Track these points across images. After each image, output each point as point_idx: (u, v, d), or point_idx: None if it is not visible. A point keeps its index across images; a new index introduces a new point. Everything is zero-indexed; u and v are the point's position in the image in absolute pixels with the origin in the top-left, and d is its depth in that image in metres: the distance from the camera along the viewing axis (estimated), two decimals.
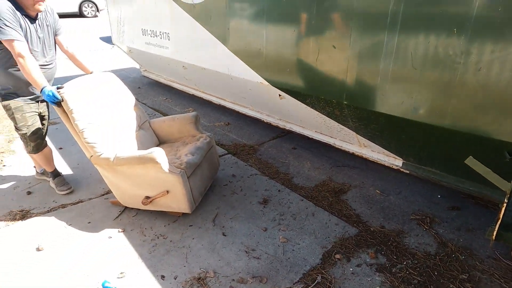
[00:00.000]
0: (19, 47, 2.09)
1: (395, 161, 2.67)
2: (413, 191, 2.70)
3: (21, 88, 2.36)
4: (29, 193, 2.71)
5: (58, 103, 2.19)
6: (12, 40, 2.07)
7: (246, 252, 2.11)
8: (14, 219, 2.40)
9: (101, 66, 6.87)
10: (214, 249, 2.14)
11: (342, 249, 2.13)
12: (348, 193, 2.69)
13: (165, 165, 2.18)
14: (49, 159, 2.68)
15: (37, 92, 2.37)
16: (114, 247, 2.15)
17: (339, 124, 2.72)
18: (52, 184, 2.75)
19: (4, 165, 3.11)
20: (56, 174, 2.73)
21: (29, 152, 2.58)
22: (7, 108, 2.37)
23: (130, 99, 2.74)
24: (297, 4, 2.50)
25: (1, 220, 2.38)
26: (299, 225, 2.34)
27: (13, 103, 2.35)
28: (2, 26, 2.04)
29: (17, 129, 2.45)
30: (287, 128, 3.42)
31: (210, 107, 4.51)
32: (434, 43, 1.87)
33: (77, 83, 2.34)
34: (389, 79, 2.12)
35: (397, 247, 2.15)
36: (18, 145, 3.50)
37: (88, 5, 14.75)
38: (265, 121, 3.65)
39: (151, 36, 4.33)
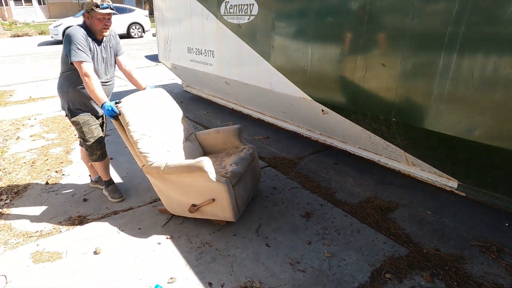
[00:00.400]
0: (86, 67, 2.35)
1: (449, 182, 2.56)
2: (472, 216, 2.54)
3: (86, 104, 2.61)
4: (85, 200, 2.91)
5: (116, 116, 2.39)
6: (81, 62, 2.34)
7: (291, 264, 2.12)
8: (73, 224, 2.58)
9: (147, 82, 7.29)
10: (259, 259, 2.16)
11: (393, 268, 2.07)
12: (395, 212, 2.61)
13: (212, 174, 2.26)
14: (107, 168, 2.89)
15: (98, 108, 2.61)
16: (163, 252, 2.25)
17: (386, 141, 2.68)
18: (105, 192, 2.93)
19: (63, 174, 3.37)
20: (110, 182, 2.92)
21: (94, 161, 2.80)
22: (75, 123, 2.62)
23: (178, 112, 2.90)
24: (345, 23, 2.55)
25: (62, 225, 2.58)
26: (344, 240, 2.31)
27: (81, 118, 2.61)
28: (75, 50, 2.32)
29: (85, 140, 2.68)
30: (327, 143, 3.41)
31: (249, 121, 4.62)
32: (498, 63, 1.83)
33: (133, 98, 2.53)
34: (445, 98, 2.07)
35: (458, 273, 2.03)
36: (75, 156, 3.78)
37: (135, 26, 15.83)
38: (305, 135, 3.68)
39: (196, 54, 4.56)
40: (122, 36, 15.61)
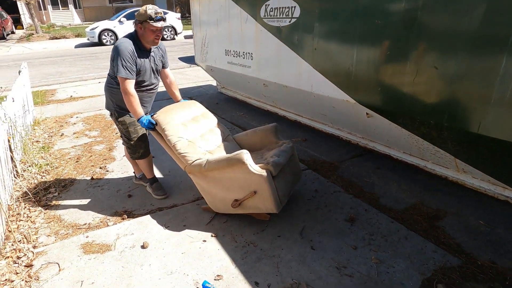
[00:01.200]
0: (127, 85, 2.46)
1: (504, 192, 2.43)
2: None
3: None
4: (129, 196, 3.00)
5: (153, 128, 2.51)
6: (125, 79, 2.45)
7: (337, 268, 2.08)
8: (120, 218, 2.66)
9: (181, 83, 7.46)
10: (304, 262, 2.14)
11: (445, 279, 1.98)
12: (444, 220, 2.51)
13: (252, 165, 2.28)
14: (151, 166, 2.98)
15: (145, 109, 2.70)
16: (209, 249, 2.28)
17: (435, 146, 2.60)
18: (149, 189, 3.01)
19: (107, 170, 3.49)
20: (154, 180, 3.00)
21: (137, 159, 2.89)
22: (122, 123, 2.72)
23: (213, 119, 2.97)
24: (395, 24, 2.50)
25: (109, 219, 2.67)
26: (392, 247, 2.25)
27: (127, 118, 2.72)
28: (121, 66, 2.42)
29: (129, 140, 2.78)
30: (368, 147, 3.35)
31: (285, 123, 4.60)
32: None
33: (167, 109, 2.64)
34: (506, 102, 1.98)
35: None
36: (118, 153, 3.91)
37: (168, 29, 16.26)
38: (345, 138, 3.62)
39: (234, 56, 4.62)
40: None
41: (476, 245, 2.25)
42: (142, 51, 2.55)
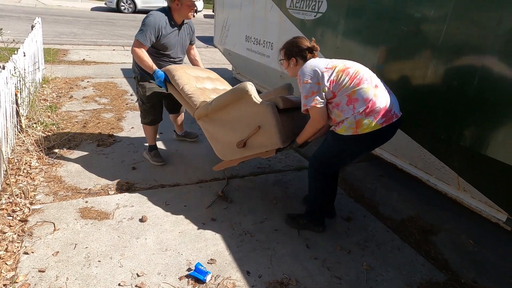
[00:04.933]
0: (138, 46, 2.64)
1: (498, 214, 2.46)
2: None
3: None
4: (133, 168, 3.02)
5: (168, 80, 2.65)
6: (139, 43, 2.63)
7: (329, 269, 2.12)
8: (121, 189, 2.69)
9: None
10: (297, 258, 2.17)
11: None
12: (437, 235, 2.54)
13: (256, 97, 2.25)
14: (155, 135, 3.17)
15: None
16: (206, 233, 2.31)
17: (441, 162, 2.60)
18: (147, 155, 3.16)
19: (114, 140, 3.50)
20: (154, 147, 3.17)
21: (144, 124, 3.07)
22: (142, 87, 2.89)
23: (228, 85, 3.07)
24: (418, 33, 2.46)
25: (111, 188, 2.69)
26: (384, 256, 2.28)
27: (147, 84, 2.87)
28: (142, 30, 2.62)
29: (143, 103, 2.96)
30: (375, 153, 3.35)
31: None
32: None
33: (183, 65, 2.85)
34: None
35: None
36: (126, 124, 3.92)
37: None
38: None
39: (254, 43, 4.57)
40: None
41: (462, 263, 2.30)
42: (174, 25, 2.75)
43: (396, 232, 2.53)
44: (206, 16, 16.73)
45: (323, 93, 2.00)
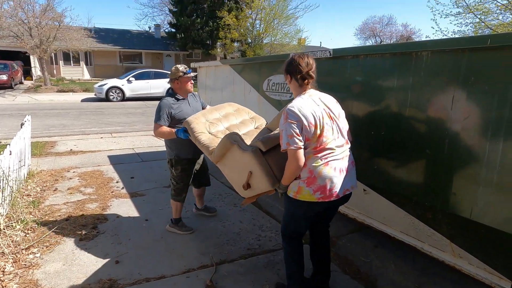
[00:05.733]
0: (157, 127, 3.07)
1: (500, 282, 2.35)
2: None
3: (184, 150, 3.19)
4: (117, 262, 2.86)
5: (187, 133, 2.87)
6: (158, 125, 3.07)
7: None
8: None
9: None
10: None
11: None
12: None
13: (241, 145, 2.31)
14: (182, 209, 3.44)
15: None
16: None
17: (430, 228, 2.58)
18: (174, 228, 3.40)
19: (98, 232, 3.38)
20: (179, 220, 3.43)
21: (178, 201, 3.36)
22: (176, 169, 3.24)
23: (248, 113, 3.22)
24: (387, 107, 2.65)
25: None
26: None
27: (181, 166, 3.23)
28: (158, 117, 3.06)
29: (177, 183, 3.29)
30: (366, 223, 3.30)
31: None
32: None
33: (200, 112, 3.01)
34: (494, 189, 2.03)
35: None
36: (111, 213, 3.83)
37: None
38: (342, 212, 3.59)
39: None
40: (160, 98, 16.74)
41: None
42: (181, 100, 3.16)
43: None
44: None
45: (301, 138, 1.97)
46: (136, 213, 3.85)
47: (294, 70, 2.07)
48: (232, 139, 2.36)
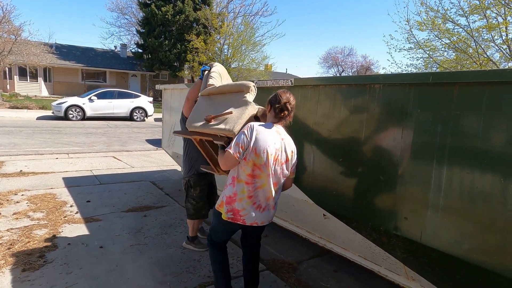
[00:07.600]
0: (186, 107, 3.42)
1: None
2: None
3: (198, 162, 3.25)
4: None
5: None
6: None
7: None
8: None
9: (145, 165, 7.35)
10: None
11: None
12: None
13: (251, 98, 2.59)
14: (197, 226, 3.52)
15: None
16: None
17: (386, 252, 2.67)
18: (190, 245, 3.49)
19: (45, 261, 3.12)
20: (196, 237, 3.51)
21: (197, 218, 3.43)
22: (195, 189, 3.34)
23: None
24: (346, 132, 2.77)
25: None
26: None
27: (199, 184, 3.34)
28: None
29: (196, 202, 3.37)
30: (326, 248, 3.35)
31: None
32: (483, 179, 1.97)
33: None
34: (440, 212, 2.16)
35: None
36: (62, 240, 3.57)
37: (138, 111, 16.68)
38: (304, 237, 3.62)
39: None
40: (125, 119, 16.32)
41: None
42: None
43: None
44: (156, 119, 17.36)
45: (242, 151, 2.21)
46: (90, 239, 3.62)
47: (275, 100, 2.35)
48: (252, 86, 2.58)
